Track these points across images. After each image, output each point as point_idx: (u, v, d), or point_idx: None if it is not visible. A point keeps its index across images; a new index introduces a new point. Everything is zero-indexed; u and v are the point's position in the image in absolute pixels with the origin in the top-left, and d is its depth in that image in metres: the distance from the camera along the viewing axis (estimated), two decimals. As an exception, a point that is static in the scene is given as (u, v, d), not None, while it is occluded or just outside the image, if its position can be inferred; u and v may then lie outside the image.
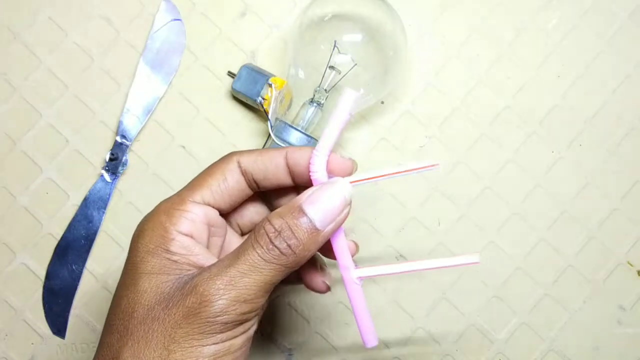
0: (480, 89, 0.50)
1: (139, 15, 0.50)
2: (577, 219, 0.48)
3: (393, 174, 0.30)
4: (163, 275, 0.30)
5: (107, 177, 0.48)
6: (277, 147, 0.44)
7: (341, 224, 0.31)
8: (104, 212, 0.48)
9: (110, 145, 0.49)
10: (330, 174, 0.32)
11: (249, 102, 0.48)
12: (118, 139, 0.48)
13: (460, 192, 0.49)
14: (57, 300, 0.48)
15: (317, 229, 0.29)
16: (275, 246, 0.29)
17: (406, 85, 0.49)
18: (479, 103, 0.49)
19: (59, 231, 0.48)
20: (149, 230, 0.31)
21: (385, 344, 0.47)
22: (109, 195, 0.48)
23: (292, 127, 0.44)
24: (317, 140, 0.45)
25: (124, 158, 0.48)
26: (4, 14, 0.50)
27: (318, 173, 0.31)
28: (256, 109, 0.49)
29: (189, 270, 0.30)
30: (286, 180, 0.33)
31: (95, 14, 0.50)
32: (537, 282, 0.48)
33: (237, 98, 0.49)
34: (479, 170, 0.49)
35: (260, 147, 0.49)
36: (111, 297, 0.48)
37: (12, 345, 0.48)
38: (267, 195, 0.36)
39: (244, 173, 0.33)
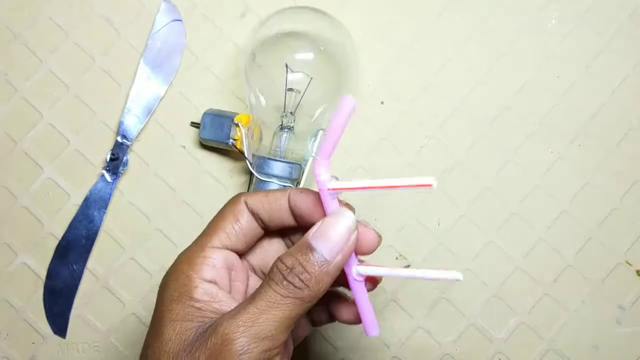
0: (480, 89, 0.50)
1: (140, 15, 0.50)
2: (576, 219, 0.48)
3: (382, 187, 0.31)
4: (187, 322, 0.30)
5: (107, 177, 0.48)
6: (264, 184, 0.44)
7: (351, 252, 0.31)
8: (104, 212, 0.48)
9: (110, 145, 0.49)
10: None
11: (221, 147, 0.47)
12: (119, 139, 0.49)
13: (460, 192, 0.49)
14: (57, 300, 0.48)
15: (327, 261, 0.30)
16: (289, 281, 0.30)
17: (406, 85, 0.50)
18: (479, 103, 0.49)
19: (59, 231, 0.49)
20: (172, 281, 0.32)
21: (385, 344, 0.48)
22: (110, 195, 0.48)
23: (271, 159, 0.44)
24: (299, 165, 0.45)
25: (125, 158, 0.49)
26: (5, 14, 0.50)
27: (321, 176, 0.31)
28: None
29: (213, 316, 0.30)
30: (290, 221, 0.34)
31: (95, 14, 0.50)
32: (537, 282, 0.48)
33: (208, 146, 0.49)
34: (479, 170, 0.49)
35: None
36: (112, 297, 0.49)
37: (13, 345, 0.48)
38: (290, 236, 0.36)
39: (252, 213, 0.34)
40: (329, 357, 0.48)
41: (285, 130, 0.46)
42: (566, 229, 0.48)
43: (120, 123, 0.49)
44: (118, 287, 0.48)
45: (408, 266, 0.48)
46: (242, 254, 0.35)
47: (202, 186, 0.49)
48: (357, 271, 0.33)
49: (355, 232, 0.31)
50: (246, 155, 0.45)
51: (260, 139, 0.47)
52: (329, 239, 0.30)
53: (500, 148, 0.49)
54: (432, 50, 0.50)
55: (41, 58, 0.50)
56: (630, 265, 0.48)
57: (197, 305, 0.31)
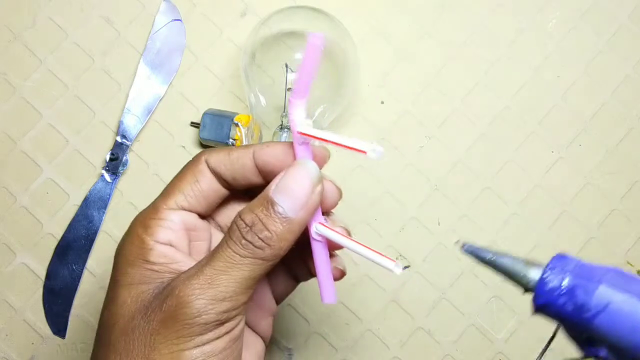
0: (480, 89, 0.50)
1: (139, 15, 0.50)
2: (576, 219, 0.48)
3: (336, 143, 0.29)
4: (143, 285, 0.29)
5: (107, 177, 0.48)
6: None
7: (315, 207, 0.29)
8: (104, 212, 0.48)
9: (110, 145, 0.49)
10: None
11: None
12: (118, 139, 0.49)
13: (460, 192, 0.49)
14: (57, 300, 0.48)
15: (289, 218, 0.28)
16: (248, 241, 0.28)
17: (406, 85, 0.50)
18: (479, 103, 0.49)
19: (59, 231, 0.48)
20: (127, 245, 0.30)
21: (385, 344, 0.48)
22: (109, 195, 0.48)
23: None
24: None
25: (124, 158, 0.49)
26: (4, 14, 0.50)
27: (294, 115, 0.29)
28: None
29: (171, 277, 0.29)
30: (256, 179, 0.32)
31: (95, 14, 0.50)
32: (537, 282, 0.48)
33: (208, 146, 0.49)
34: (479, 170, 0.49)
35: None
36: (111, 296, 0.48)
37: (12, 345, 0.48)
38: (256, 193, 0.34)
39: (214, 173, 0.32)
40: (329, 357, 0.47)
41: (285, 130, 0.46)
42: (566, 229, 0.48)
43: (120, 123, 0.49)
44: (117, 287, 0.48)
45: (408, 266, 0.48)
46: (206, 215, 0.33)
47: (201, 186, 0.49)
48: (316, 230, 0.31)
49: (320, 185, 0.29)
50: None
51: (260, 139, 0.47)
52: (292, 193, 0.28)
53: (500, 148, 0.49)
54: (432, 50, 0.50)
55: (41, 58, 0.50)
56: (631, 265, 0.48)
57: (154, 268, 0.29)
